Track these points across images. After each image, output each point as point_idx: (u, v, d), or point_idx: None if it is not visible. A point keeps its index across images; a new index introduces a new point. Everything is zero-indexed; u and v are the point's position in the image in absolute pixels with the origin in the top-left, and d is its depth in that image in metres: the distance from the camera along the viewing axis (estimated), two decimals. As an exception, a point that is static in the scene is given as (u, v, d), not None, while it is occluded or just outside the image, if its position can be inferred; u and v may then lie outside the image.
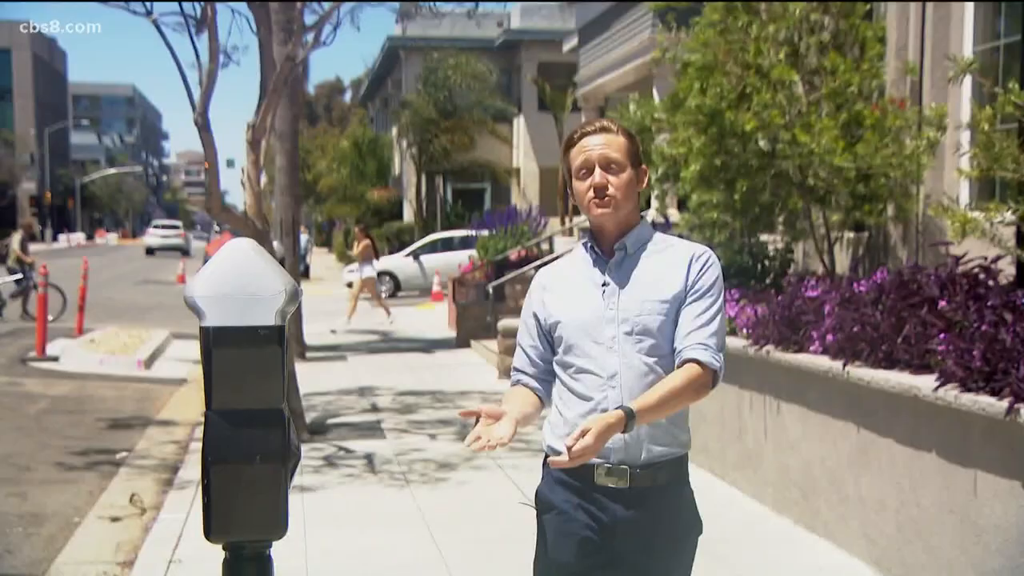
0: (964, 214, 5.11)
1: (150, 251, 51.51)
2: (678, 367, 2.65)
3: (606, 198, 2.69)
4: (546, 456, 2.75)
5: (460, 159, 32.62)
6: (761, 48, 7.00)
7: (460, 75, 30.78)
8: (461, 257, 23.35)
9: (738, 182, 7.15)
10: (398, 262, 24.69)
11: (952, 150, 6.68)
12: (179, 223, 63.37)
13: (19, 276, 17.73)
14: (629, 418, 2.53)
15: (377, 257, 18.13)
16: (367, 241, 17.34)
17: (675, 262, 2.72)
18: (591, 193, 2.70)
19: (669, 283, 2.70)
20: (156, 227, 58.00)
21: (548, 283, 2.84)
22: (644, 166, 2.80)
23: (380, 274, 23.80)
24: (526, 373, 2.82)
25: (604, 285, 2.73)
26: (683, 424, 2.79)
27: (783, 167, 6.97)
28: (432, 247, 24.51)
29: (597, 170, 2.70)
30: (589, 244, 2.80)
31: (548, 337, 2.79)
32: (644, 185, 2.79)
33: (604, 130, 2.76)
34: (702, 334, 2.65)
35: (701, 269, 2.72)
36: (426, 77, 32.13)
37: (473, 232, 24.37)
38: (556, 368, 2.78)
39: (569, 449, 2.43)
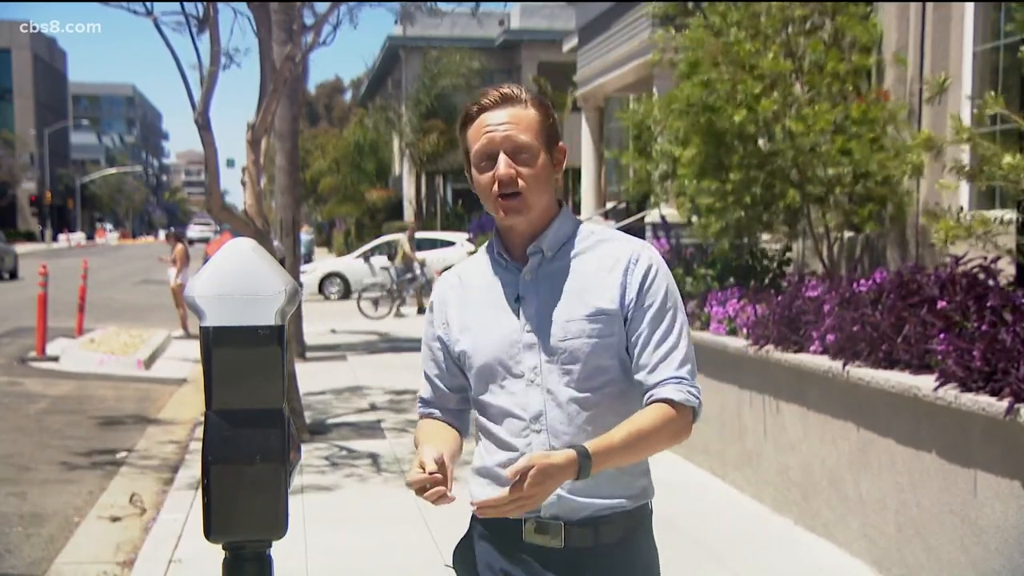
0: (947, 221, 5.12)
1: (191, 241, 61.97)
2: (646, 405, 2.14)
3: (516, 196, 2.12)
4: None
5: (459, 159, 32.66)
6: (750, 47, 7.01)
7: (452, 75, 30.85)
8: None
9: (731, 171, 7.14)
10: (348, 264, 24.41)
11: (949, 156, 6.68)
12: (211, 220, 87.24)
13: (410, 275, 19.72)
14: (583, 460, 2.01)
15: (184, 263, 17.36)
16: (181, 246, 17.26)
17: (607, 266, 2.16)
18: (496, 187, 2.13)
19: (600, 295, 2.14)
20: (195, 224, 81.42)
21: (451, 298, 2.28)
22: (561, 143, 2.22)
23: (330, 275, 23.85)
24: (437, 407, 2.33)
25: (518, 301, 2.18)
26: (637, 470, 2.20)
27: (779, 164, 6.98)
28: (382, 249, 24.23)
29: (502, 158, 2.11)
30: (496, 250, 2.24)
31: (458, 364, 2.27)
32: (562, 168, 2.22)
33: (509, 101, 2.15)
34: (670, 365, 2.13)
35: (646, 277, 2.15)
36: (422, 78, 32.22)
37: (430, 235, 24.41)
38: (476, 410, 2.27)
39: (482, 504, 1.99)
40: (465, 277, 2.29)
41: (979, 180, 5.05)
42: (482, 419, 2.24)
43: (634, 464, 2.17)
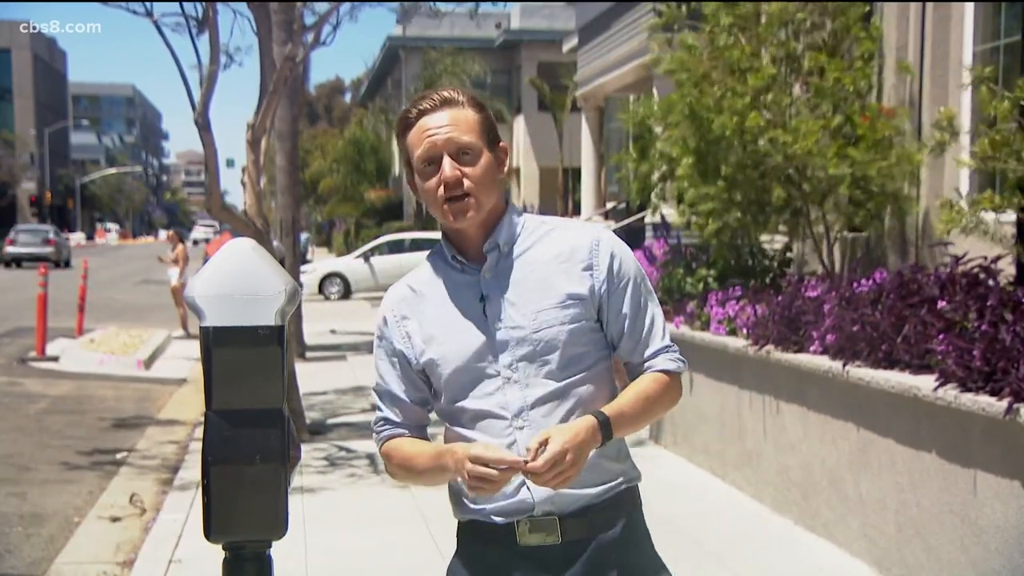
0: (953, 204, 5.11)
1: (196, 242, 66.26)
2: (638, 376, 2.21)
3: (464, 198, 2.10)
4: (459, 526, 2.25)
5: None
6: (740, 52, 6.99)
7: (451, 76, 30.85)
8: (413, 259, 23.14)
9: (724, 170, 7.11)
10: (348, 264, 24.25)
11: (952, 152, 6.67)
12: (215, 222, 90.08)
13: None
14: (603, 426, 2.05)
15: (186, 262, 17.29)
16: (182, 246, 17.19)
17: (566, 252, 2.16)
18: (442, 191, 2.10)
19: (567, 281, 2.14)
20: (200, 225, 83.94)
21: (406, 310, 2.23)
22: (503, 143, 2.19)
23: (330, 276, 23.71)
24: (406, 426, 2.26)
25: (483, 299, 2.15)
26: (614, 452, 2.19)
27: (772, 164, 6.97)
28: (383, 249, 24.12)
29: (446, 160, 2.09)
30: (449, 254, 2.20)
31: (423, 378, 2.23)
32: (506, 168, 2.20)
33: (447, 103, 2.13)
34: (656, 338, 2.21)
35: (613, 259, 2.17)
36: (422, 77, 32.23)
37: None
38: (446, 421, 2.23)
39: (528, 470, 1.97)
40: (417, 287, 2.24)
41: (993, 163, 5.02)
42: (456, 429, 2.18)
43: (614, 448, 2.17)
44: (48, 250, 38.23)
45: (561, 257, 2.16)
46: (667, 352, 2.21)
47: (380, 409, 2.28)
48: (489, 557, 2.17)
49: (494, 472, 1.98)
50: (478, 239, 2.17)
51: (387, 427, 2.27)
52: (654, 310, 2.22)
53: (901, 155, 6.89)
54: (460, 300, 2.17)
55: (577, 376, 2.14)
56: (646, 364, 2.20)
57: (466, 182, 2.09)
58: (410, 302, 2.23)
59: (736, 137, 6.87)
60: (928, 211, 7.44)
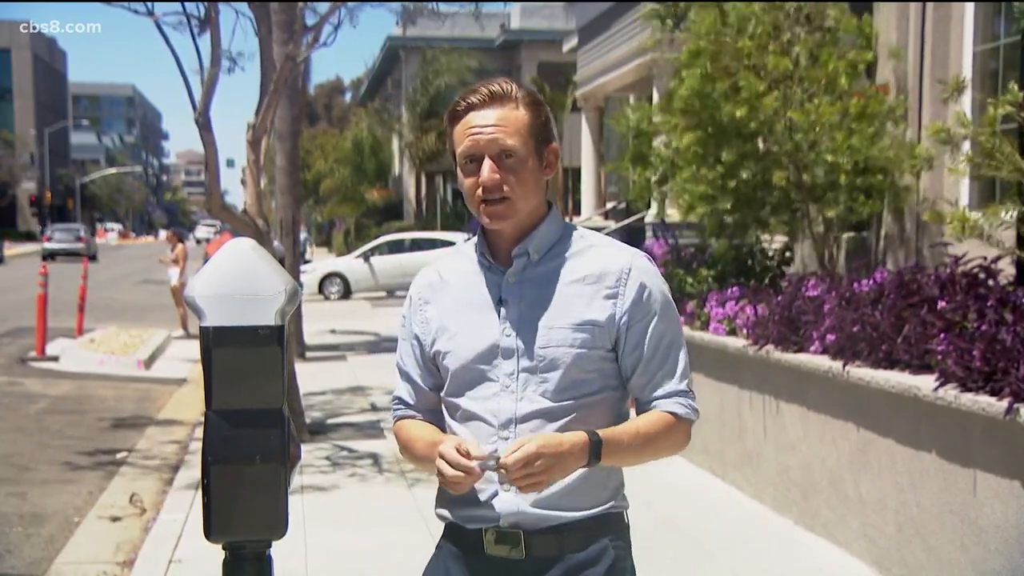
0: (963, 213, 5.11)
1: (198, 241, 66.92)
2: (644, 412, 2.13)
3: (501, 201, 2.04)
4: (445, 527, 2.22)
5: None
6: (749, 45, 6.98)
7: (449, 74, 30.88)
8: (413, 259, 23.07)
9: (725, 156, 7.08)
10: (348, 264, 24.17)
11: (951, 154, 6.66)
12: (217, 223, 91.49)
13: None
14: (593, 446, 1.98)
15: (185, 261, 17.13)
16: (182, 246, 17.14)
17: (595, 274, 2.09)
18: (480, 192, 2.04)
19: (588, 305, 2.07)
20: (203, 224, 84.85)
21: (430, 295, 2.20)
22: (554, 144, 2.11)
23: (330, 276, 23.64)
24: (419, 409, 2.25)
25: (500, 304, 2.10)
26: (603, 480, 2.11)
27: (774, 155, 6.95)
28: (383, 249, 24.02)
29: (487, 163, 2.03)
30: (480, 250, 2.15)
31: (433, 364, 2.20)
32: (554, 170, 2.12)
33: (497, 100, 2.05)
34: (672, 379, 2.12)
35: (642, 291, 2.09)
36: (419, 77, 32.28)
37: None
38: (446, 411, 2.20)
39: (500, 465, 1.92)
40: (445, 275, 2.20)
41: (985, 170, 5.03)
42: (450, 422, 2.18)
43: (606, 476, 2.11)
44: (80, 246, 43.43)
45: (589, 279, 2.09)
46: (680, 396, 2.12)
47: (398, 388, 2.29)
48: (463, 561, 2.15)
49: (452, 472, 1.96)
50: (511, 241, 2.11)
51: (400, 407, 2.28)
52: (676, 351, 2.13)
53: (900, 146, 6.88)
54: (480, 298, 2.13)
55: (575, 400, 2.07)
56: (654, 403, 2.12)
57: (505, 187, 2.03)
58: (435, 288, 2.20)
59: (752, 123, 6.84)
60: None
